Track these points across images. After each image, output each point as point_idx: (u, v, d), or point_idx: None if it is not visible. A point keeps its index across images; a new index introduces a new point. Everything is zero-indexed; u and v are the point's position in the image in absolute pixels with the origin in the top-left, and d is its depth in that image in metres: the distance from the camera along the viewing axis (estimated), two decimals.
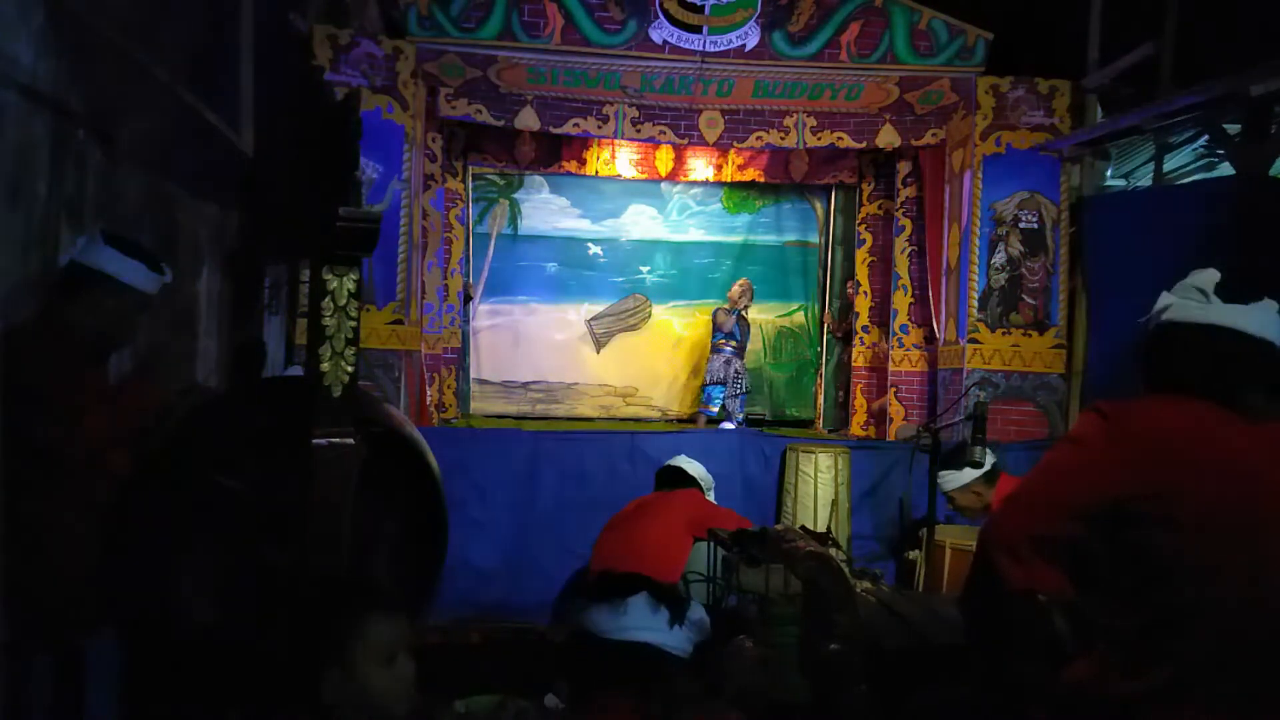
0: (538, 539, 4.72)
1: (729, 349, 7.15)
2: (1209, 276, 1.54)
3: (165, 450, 2.34)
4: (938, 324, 6.24)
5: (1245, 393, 1.48)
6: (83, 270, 2.33)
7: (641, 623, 1.55)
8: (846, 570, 2.67)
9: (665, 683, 1.58)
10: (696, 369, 7.99)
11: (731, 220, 8.17)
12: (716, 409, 7.10)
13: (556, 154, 7.21)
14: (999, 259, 5.79)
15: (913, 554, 4.37)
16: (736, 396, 7.12)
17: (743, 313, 7.31)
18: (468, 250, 7.43)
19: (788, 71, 5.85)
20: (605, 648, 1.54)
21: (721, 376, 7.11)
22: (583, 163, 7.26)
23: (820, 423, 7.81)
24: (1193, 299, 1.54)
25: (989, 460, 3.46)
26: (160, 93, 3.20)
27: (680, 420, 7.84)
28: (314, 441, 2.10)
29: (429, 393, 6.26)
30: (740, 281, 7.43)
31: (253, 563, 2.25)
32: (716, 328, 7.26)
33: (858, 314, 7.37)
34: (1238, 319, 1.50)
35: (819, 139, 6.14)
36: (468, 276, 7.45)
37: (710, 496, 3.89)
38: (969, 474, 3.42)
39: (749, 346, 7.58)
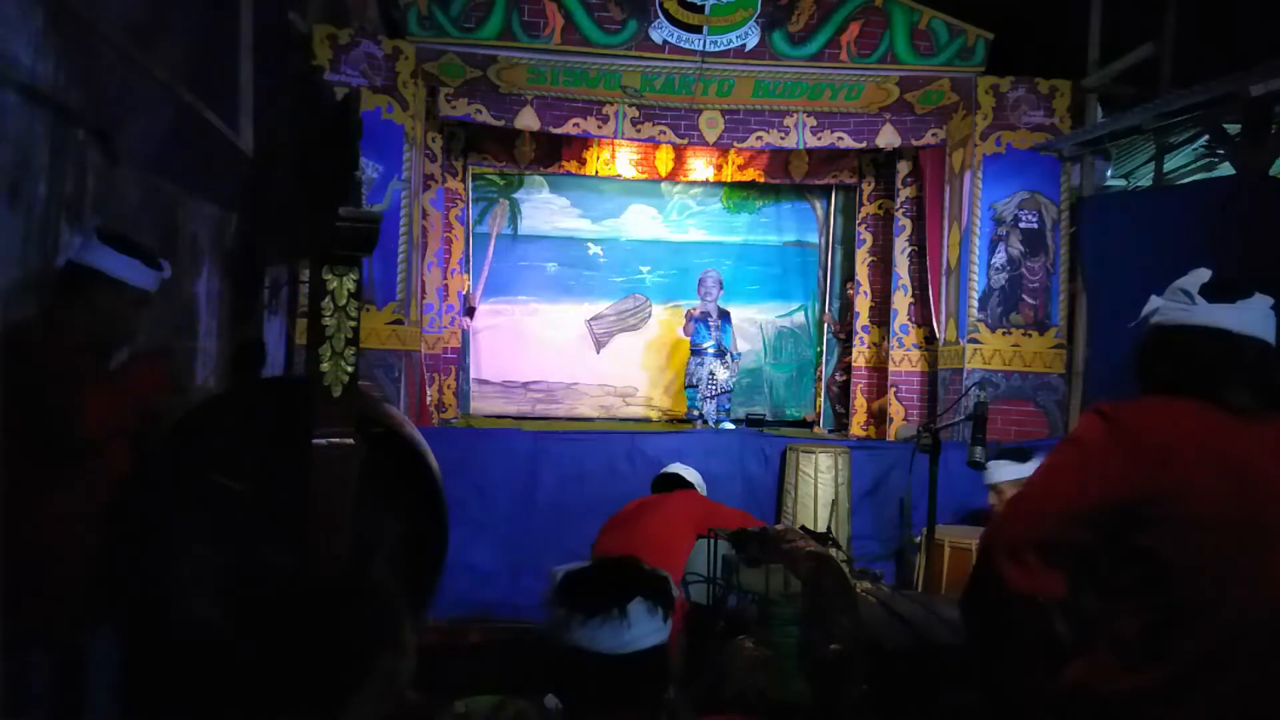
0: (538, 539, 4.71)
1: (708, 351, 7.10)
2: (1197, 278, 1.55)
3: (165, 449, 2.34)
4: (938, 324, 6.24)
5: (1237, 391, 1.48)
6: (79, 269, 2.32)
7: (644, 630, 1.50)
8: (847, 570, 2.67)
9: (663, 675, 1.57)
10: None
11: (731, 220, 8.17)
12: (698, 413, 7.05)
13: (556, 154, 7.21)
14: (999, 259, 5.79)
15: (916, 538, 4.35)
16: (712, 399, 7.06)
17: (712, 310, 7.21)
18: (468, 250, 7.43)
19: (788, 71, 5.85)
20: (610, 663, 1.48)
21: (695, 380, 7.06)
22: (583, 163, 7.25)
23: (820, 422, 7.81)
24: (1178, 301, 1.55)
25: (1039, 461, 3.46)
26: (160, 93, 3.20)
27: (680, 420, 7.84)
28: (314, 441, 2.10)
29: (429, 393, 6.26)
30: (705, 271, 7.34)
31: (252, 562, 2.25)
32: (685, 332, 7.20)
33: (858, 314, 7.37)
34: (1223, 318, 1.51)
35: (819, 139, 6.14)
36: (468, 294, 7.42)
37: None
38: (1023, 471, 3.44)
39: (748, 347, 7.57)
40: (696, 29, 5.69)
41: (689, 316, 7.20)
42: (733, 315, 7.33)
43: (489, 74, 5.69)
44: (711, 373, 7.06)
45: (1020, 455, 3.60)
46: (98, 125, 2.86)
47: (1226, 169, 5.59)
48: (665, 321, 8.16)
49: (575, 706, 1.52)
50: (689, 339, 7.19)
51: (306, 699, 1.52)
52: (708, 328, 7.11)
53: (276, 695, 1.57)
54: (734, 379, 7.25)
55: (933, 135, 6.11)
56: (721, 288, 7.30)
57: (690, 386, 7.10)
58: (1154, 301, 1.59)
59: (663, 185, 7.95)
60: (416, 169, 5.71)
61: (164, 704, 2.27)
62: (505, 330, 7.94)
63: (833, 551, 2.63)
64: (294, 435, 2.14)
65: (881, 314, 7.17)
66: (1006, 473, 3.58)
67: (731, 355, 7.23)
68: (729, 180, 7.66)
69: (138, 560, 2.25)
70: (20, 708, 2.15)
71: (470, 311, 7.44)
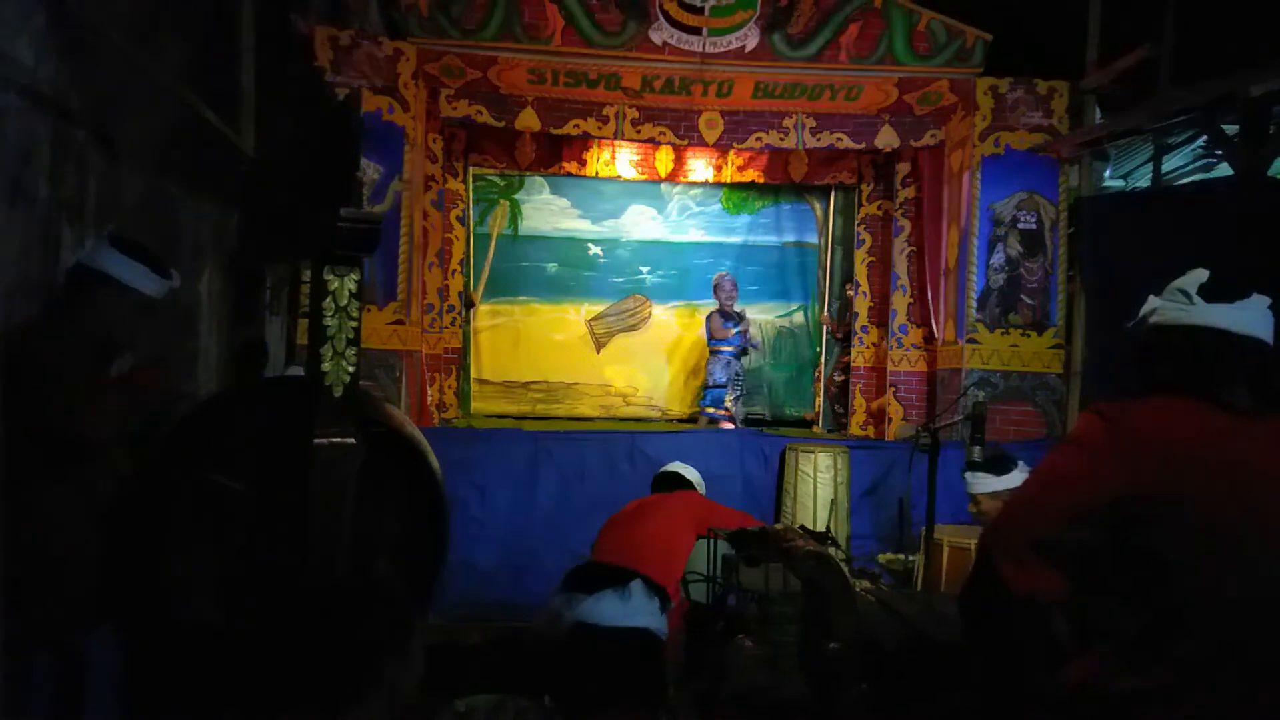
0: (538, 539, 4.72)
1: (728, 351, 7.15)
2: (1195, 278, 1.55)
3: (166, 450, 2.35)
4: (936, 324, 6.25)
5: (1236, 391, 1.48)
6: (86, 272, 2.33)
7: (642, 608, 1.56)
8: (846, 570, 2.68)
9: (659, 664, 1.59)
10: (696, 369, 7.99)
11: (731, 221, 8.18)
12: (722, 412, 7.08)
13: (557, 155, 7.22)
14: (998, 259, 5.79)
15: (884, 557, 4.37)
16: (737, 399, 7.12)
17: (736, 312, 7.25)
18: (468, 251, 7.44)
19: (787, 73, 5.85)
20: (608, 637, 1.52)
21: (723, 379, 7.09)
22: (583, 163, 7.27)
23: (820, 422, 7.83)
24: (1177, 301, 1.55)
25: (1024, 476, 3.46)
26: (160, 93, 3.21)
27: (680, 420, 7.84)
28: (315, 441, 2.11)
29: (429, 392, 6.27)
30: (720, 275, 7.40)
31: (252, 562, 2.25)
32: (711, 334, 7.25)
33: (857, 314, 7.38)
34: (1222, 318, 1.51)
35: (818, 140, 6.15)
36: (468, 279, 7.46)
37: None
38: (1003, 483, 3.43)
39: (759, 343, 7.62)
40: (696, 30, 5.69)
41: (723, 318, 7.19)
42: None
43: (489, 75, 5.69)
44: (737, 373, 7.10)
45: (999, 466, 3.56)
46: (98, 125, 2.87)
47: (1225, 169, 5.60)
48: (665, 321, 8.17)
49: (574, 698, 1.53)
50: (715, 341, 7.18)
51: (311, 700, 1.53)
52: (737, 335, 7.16)
53: (280, 696, 1.58)
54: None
55: (931, 136, 6.12)
56: (736, 289, 7.35)
57: (718, 387, 7.09)
58: (1152, 302, 1.60)
59: (663, 186, 7.96)
60: (417, 170, 5.71)
61: (165, 705, 2.27)
62: (505, 330, 7.95)
63: (832, 551, 2.64)
64: (295, 435, 2.15)
65: (881, 314, 7.18)
66: (985, 485, 3.56)
67: (752, 347, 7.31)
68: (729, 181, 7.67)
69: (138, 560, 2.26)
70: (21, 708, 2.15)
71: (470, 304, 7.46)
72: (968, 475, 3.47)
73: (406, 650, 1.59)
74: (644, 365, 8.13)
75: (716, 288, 7.34)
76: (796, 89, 5.92)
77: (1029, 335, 5.77)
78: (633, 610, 1.54)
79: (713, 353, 7.22)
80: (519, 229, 7.96)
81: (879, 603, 2.63)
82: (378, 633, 1.56)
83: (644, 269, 8.13)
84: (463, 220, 7.21)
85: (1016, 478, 3.44)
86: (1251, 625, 1.40)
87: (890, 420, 6.73)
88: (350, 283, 2.14)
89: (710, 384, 7.17)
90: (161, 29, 3.31)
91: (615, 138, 6.32)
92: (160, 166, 3.38)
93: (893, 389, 6.73)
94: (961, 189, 5.92)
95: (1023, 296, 5.77)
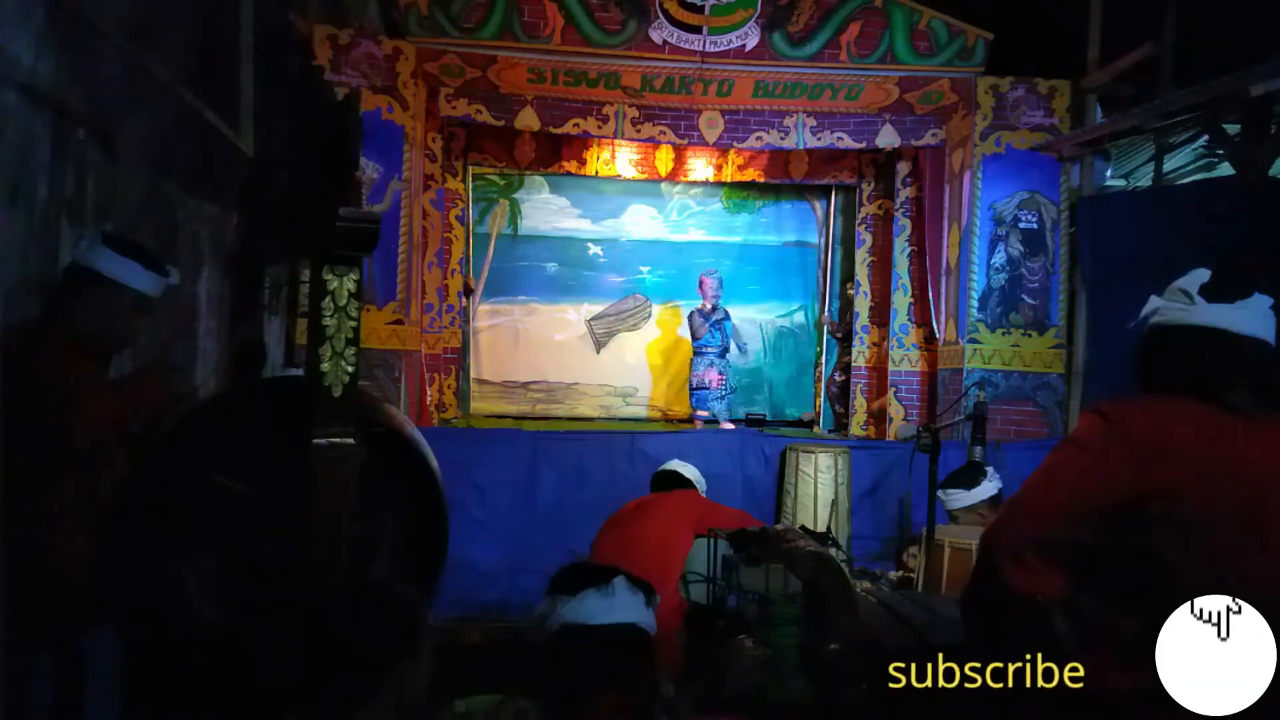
0: (538, 539, 4.72)
1: (710, 352, 7.14)
2: (1196, 278, 1.55)
3: (165, 450, 2.34)
4: (937, 324, 6.24)
5: (1237, 391, 1.48)
6: (82, 271, 2.33)
7: (627, 602, 1.58)
8: (846, 570, 2.68)
9: (649, 659, 1.60)
10: None
11: (731, 220, 8.17)
12: (708, 413, 7.10)
13: (556, 154, 7.21)
14: (999, 259, 5.79)
15: (895, 575, 4.34)
16: (722, 399, 7.10)
17: (714, 311, 7.25)
18: (468, 250, 7.44)
19: (788, 72, 5.85)
20: (595, 635, 1.55)
21: (705, 381, 7.09)
22: (583, 163, 7.26)
23: (820, 422, 7.82)
24: (1178, 301, 1.55)
25: (996, 485, 3.45)
26: (160, 93, 3.20)
27: (680, 420, 7.84)
28: (314, 441, 2.10)
29: (429, 393, 6.26)
30: (705, 272, 7.39)
31: (252, 563, 2.25)
32: (692, 334, 7.26)
33: (858, 314, 7.37)
34: (1224, 319, 1.50)
35: (819, 139, 6.14)
36: (467, 273, 7.46)
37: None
38: (975, 496, 3.42)
39: (748, 346, 7.60)
40: (696, 29, 5.69)
41: (704, 317, 7.20)
42: (732, 315, 7.37)
43: (489, 74, 5.69)
44: (720, 372, 7.09)
45: (968, 479, 3.53)
46: (98, 125, 2.86)
47: (1226, 169, 5.59)
48: (665, 321, 8.16)
49: (569, 697, 1.53)
50: (693, 340, 7.21)
51: (314, 701, 1.52)
52: (714, 329, 7.13)
53: (281, 698, 1.58)
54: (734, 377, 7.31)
55: (932, 135, 6.11)
56: (721, 287, 7.33)
57: (702, 388, 7.10)
58: (1153, 302, 1.59)
59: (663, 185, 7.95)
60: (416, 169, 5.71)
61: (165, 705, 2.27)
62: (505, 330, 7.95)
63: (833, 551, 2.64)
64: (294, 435, 2.15)
65: (881, 314, 7.18)
66: (958, 500, 3.54)
67: (739, 347, 7.29)
68: (729, 180, 7.67)
69: (137, 561, 2.26)
70: (22, 710, 2.15)
71: (468, 291, 7.44)
72: (940, 493, 3.46)
73: (417, 652, 1.59)
74: (644, 365, 8.13)
75: (701, 284, 7.34)
76: (797, 88, 5.92)
77: (1030, 335, 5.77)
78: (617, 606, 1.56)
79: (695, 353, 7.21)
80: (518, 228, 7.95)
81: (880, 604, 2.62)
82: (387, 634, 1.56)
83: (644, 269, 8.13)
84: (462, 220, 7.21)
85: (988, 488, 3.44)
86: None
87: (891, 420, 6.72)
88: (349, 282, 2.13)
89: (694, 385, 7.18)
90: (161, 28, 3.30)
91: (615, 137, 6.31)
92: (160, 166, 3.38)
93: (893, 389, 6.73)
94: (962, 188, 5.91)
95: (1024, 296, 5.77)
